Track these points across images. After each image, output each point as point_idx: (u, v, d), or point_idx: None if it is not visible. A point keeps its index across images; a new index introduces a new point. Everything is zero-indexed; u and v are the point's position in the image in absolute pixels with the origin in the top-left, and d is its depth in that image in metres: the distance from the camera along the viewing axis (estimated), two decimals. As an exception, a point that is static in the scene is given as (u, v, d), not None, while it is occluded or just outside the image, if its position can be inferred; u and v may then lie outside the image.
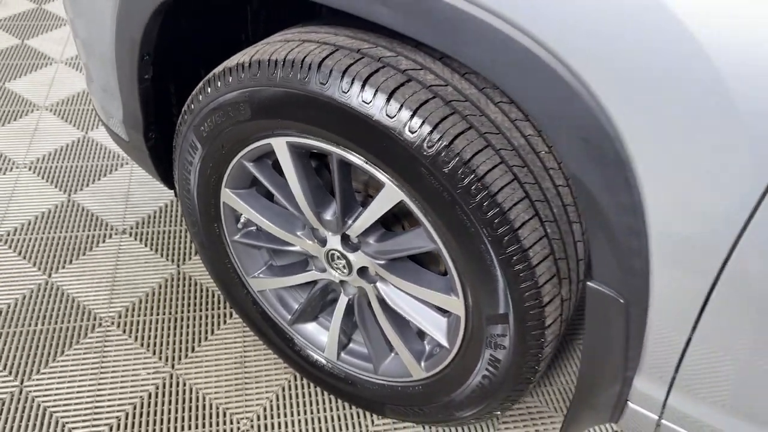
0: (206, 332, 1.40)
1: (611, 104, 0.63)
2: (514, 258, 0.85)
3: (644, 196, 0.66)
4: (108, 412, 1.24)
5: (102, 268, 1.52)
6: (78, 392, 1.27)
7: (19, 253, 1.54)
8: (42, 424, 1.21)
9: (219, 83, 0.98)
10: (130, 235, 1.61)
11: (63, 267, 1.52)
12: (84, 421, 1.23)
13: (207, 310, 1.45)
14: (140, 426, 1.22)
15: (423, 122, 0.82)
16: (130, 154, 1.32)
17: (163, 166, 1.27)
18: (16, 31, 2.45)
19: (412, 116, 0.82)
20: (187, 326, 1.41)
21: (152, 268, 1.53)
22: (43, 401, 1.25)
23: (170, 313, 1.43)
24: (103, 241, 1.59)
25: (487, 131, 0.84)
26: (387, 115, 0.83)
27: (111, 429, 1.22)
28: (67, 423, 1.22)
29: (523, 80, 0.68)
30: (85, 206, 1.68)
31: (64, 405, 1.25)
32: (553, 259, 0.88)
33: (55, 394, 1.26)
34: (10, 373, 1.29)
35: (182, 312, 1.44)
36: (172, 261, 1.55)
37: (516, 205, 0.84)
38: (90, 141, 1.91)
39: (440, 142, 0.81)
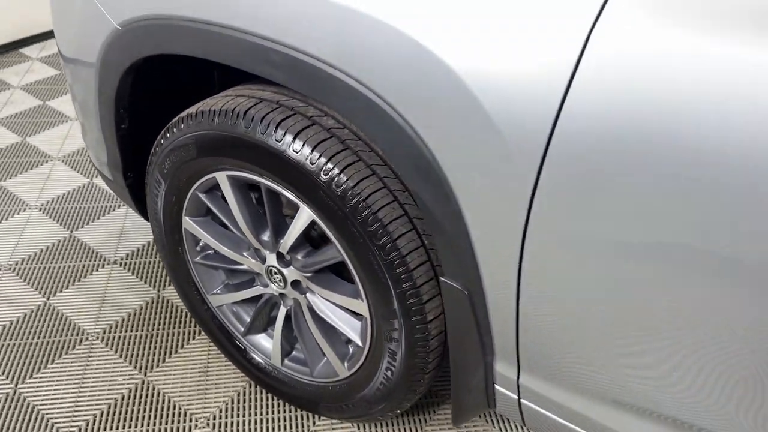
0: (177, 346, 1.61)
1: (429, 138, 0.85)
2: (395, 263, 1.05)
3: (461, 206, 0.87)
4: (86, 410, 1.45)
5: (93, 292, 1.76)
6: (63, 394, 1.48)
7: (24, 279, 1.78)
8: (30, 419, 1.42)
9: (175, 130, 1.23)
10: (120, 264, 1.85)
11: (60, 291, 1.75)
12: (66, 417, 1.43)
13: (179, 327, 1.66)
14: (113, 422, 1.43)
15: (320, 156, 1.04)
16: (115, 191, 1.57)
17: (139, 201, 1.52)
18: (39, 94, 2.79)
19: (312, 151, 1.05)
20: (161, 341, 1.63)
21: (136, 293, 1.76)
22: (32, 401, 1.46)
23: (147, 330, 1.65)
24: (97, 270, 1.83)
25: (373, 163, 1.07)
26: (294, 150, 1.06)
27: (88, 424, 1.42)
28: (51, 419, 1.43)
29: (372, 125, 0.90)
30: (84, 240, 1.94)
31: (50, 404, 1.46)
32: (431, 265, 1.08)
33: (44, 395, 1.48)
34: (7, 377, 1.51)
35: (158, 329, 1.66)
36: (154, 287, 1.78)
37: (395, 220, 1.05)
38: (94, 186, 2.18)
39: (333, 171, 1.04)
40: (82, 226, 2.00)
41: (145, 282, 1.80)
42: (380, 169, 1.06)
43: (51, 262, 1.85)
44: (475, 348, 1.04)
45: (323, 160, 1.04)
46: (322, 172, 1.04)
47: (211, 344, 1.62)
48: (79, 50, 1.31)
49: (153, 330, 1.65)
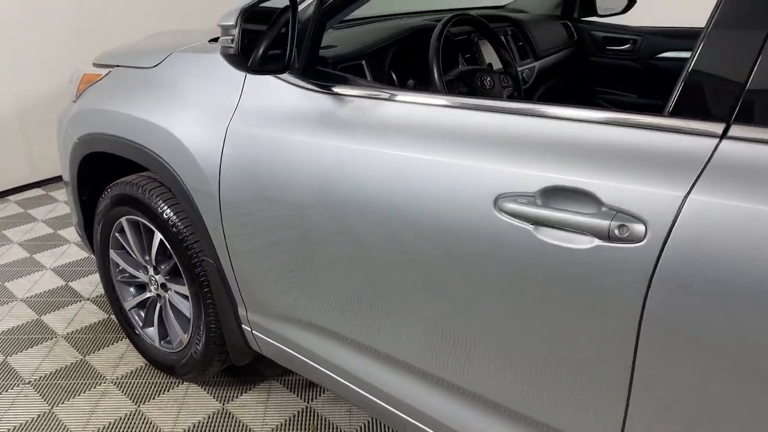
0: (109, 344, 2.50)
1: (183, 177, 1.79)
2: (193, 256, 1.95)
3: (200, 210, 1.79)
4: (47, 367, 2.33)
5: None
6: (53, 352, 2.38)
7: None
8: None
9: (104, 195, 2.23)
10: (94, 302, 2.80)
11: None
12: (29, 369, 2.31)
13: (112, 334, 2.56)
14: (57, 377, 2.29)
15: (159, 200, 2.00)
16: (82, 240, 2.57)
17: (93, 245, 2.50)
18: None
19: (156, 198, 2.01)
20: (100, 340, 2.52)
21: (93, 314, 2.69)
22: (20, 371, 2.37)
23: (93, 335, 2.55)
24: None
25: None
26: (148, 199, 2.03)
27: (44, 376, 2.29)
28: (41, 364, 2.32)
29: (165, 178, 1.86)
30: (75, 287, 2.92)
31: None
32: (214, 260, 1.97)
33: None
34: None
35: (100, 335, 2.56)
36: (107, 312, 2.71)
37: (193, 233, 1.96)
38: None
39: (164, 207, 1.99)
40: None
41: (104, 310, 2.73)
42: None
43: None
44: (226, 300, 1.89)
45: (161, 202, 2.00)
46: (158, 208, 2.00)
47: (129, 342, 2.49)
48: (65, 171, 2.38)
49: (97, 335, 2.56)
